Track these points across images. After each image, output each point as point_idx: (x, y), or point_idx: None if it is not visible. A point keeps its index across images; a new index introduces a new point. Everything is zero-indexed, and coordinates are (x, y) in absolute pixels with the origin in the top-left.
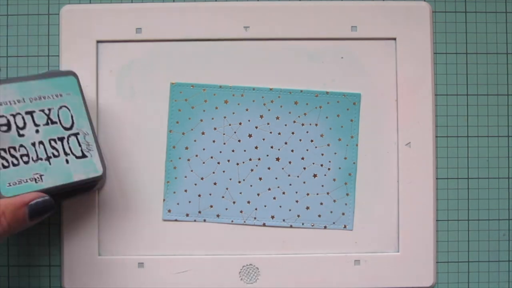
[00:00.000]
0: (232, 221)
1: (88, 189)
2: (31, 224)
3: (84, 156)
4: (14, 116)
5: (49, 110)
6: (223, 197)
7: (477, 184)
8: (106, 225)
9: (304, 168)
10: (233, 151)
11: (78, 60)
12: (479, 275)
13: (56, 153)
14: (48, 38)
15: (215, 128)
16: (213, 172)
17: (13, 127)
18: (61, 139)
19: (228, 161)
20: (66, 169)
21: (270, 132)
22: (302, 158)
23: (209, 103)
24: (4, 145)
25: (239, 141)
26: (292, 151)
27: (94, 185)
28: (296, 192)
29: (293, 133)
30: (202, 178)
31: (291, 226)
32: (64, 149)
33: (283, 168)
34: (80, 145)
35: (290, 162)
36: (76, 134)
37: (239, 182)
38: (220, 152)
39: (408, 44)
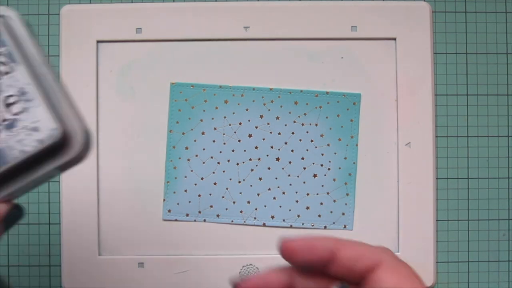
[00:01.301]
0: (232, 221)
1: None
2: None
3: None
4: None
5: None
6: (223, 197)
7: (477, 184)
8: (106, 225)
9: (304, 168)
10: (233, 151)
11: (78, 60)
12: (479, 275)
13: None
14: (48, 38)
15: (215, 128)
16: (213, 172)
17: None
18: None
19: (228, 161)
20: None
21: (270, 132)
22: (302, 158)
23: (209, 103)
24: None
25: (239, 141)
26: (292, 151)
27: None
28: (296, 192)
29: (293, 133)
30: (202, 178)
31: (291, 226)
32: None
33: (283, 168)
34: None
35: (290, 162)
36: None
37: (239, 182)
38: (220, 152)
39: (408, 44)
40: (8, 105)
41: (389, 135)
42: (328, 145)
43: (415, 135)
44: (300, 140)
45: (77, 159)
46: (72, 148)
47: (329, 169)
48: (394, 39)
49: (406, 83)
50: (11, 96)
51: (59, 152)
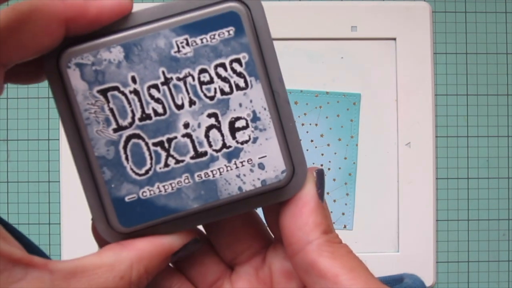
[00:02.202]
0: None
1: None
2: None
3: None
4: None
5: None
6: None
7: (477, 184)
8: None
9: None
10: None
11: None
12: (479, 275)
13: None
14: None
15: None
16: None
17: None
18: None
19: None
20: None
21: None
22: None
23: None
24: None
25: None
26: None
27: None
28: None
29: None
30: None
31: None
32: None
33: None
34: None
35: None
36: None
37: None
38: None
39: (408, 44)
40: (235, 129)
41: (389, 135)
42: (328, 145)
43: (415, 135)
44: (300, 140)
45: (289, 196)
46: (290, 190)
47: (329, 169)
48: (394, 39)
49: (406, 83)
50: (240, 118)
51: (276, 191)
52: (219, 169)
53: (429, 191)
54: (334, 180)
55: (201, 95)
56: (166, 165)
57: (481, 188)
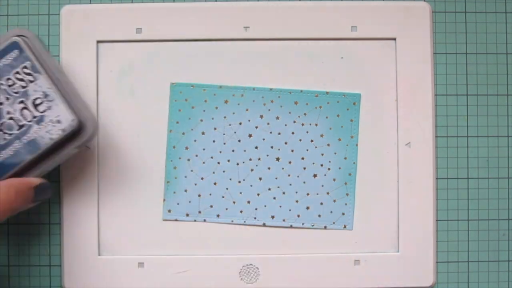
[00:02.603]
0: (232, 221)
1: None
2: (30, 206)
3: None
4: None
5: None
6: (223, 197)
7: (477, 184)
8: (106, 225)
9: (304, 168)
10: (233, 151)
11: (78, 60)
12: (479, 275)
13: None
14: (48, 38)
15: (215, 128)
16: (213, 172)
17: None
18: None
19: (228, 161)
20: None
21: (270, 132)
22: (302, 158)
23: (209, 103)
24: None
25: (239, 141)
26: (292, 151)
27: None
28: (296, 192)
29: (293, 133)
30: (202, 178)
31: (291, 226)
32: None
33: (283, 168)
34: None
35: (290, 162)
36: None
37: (239, 182)
38: (220, 152)
39: (408, 44)
40: (36, 105)
41: (389, 135)
42: (328, 145)
43: (415, 135)
44: (300, 140)
45: (90, 139)
46: (86, 132)
47: (329, 169)
48: (394, 39)
49: (406, 83)
50: (37, 98)
51: (77, 135)
52: (35, 131)
53: (429, 191)
54: (334, 180)
55: (11, 92)
56: (4, 139)
57: (481, 188)
